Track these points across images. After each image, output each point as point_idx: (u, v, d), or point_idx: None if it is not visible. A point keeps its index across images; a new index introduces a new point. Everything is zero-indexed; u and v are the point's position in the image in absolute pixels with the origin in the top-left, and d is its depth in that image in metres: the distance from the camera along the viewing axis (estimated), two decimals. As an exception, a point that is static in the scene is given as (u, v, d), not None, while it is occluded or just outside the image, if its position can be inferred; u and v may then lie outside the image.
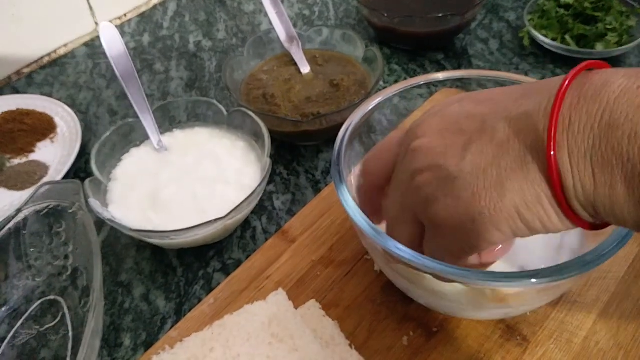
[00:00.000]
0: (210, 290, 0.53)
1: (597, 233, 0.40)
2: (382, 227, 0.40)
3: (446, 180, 0.32)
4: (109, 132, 0.61)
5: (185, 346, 0.45)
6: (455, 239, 0.33)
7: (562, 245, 0.47)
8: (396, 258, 0.37)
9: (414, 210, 0.35)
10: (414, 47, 0.84)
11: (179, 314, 0.53)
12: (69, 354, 0.49)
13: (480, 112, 0.32)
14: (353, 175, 0.48)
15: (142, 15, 0.98)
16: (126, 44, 0.65)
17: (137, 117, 0.62)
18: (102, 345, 0.51)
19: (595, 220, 0.30)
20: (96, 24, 0.93)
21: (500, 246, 0.36)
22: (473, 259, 0.35)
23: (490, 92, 0.34)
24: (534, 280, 0.35)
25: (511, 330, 0.47)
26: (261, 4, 0.77)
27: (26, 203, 0.53)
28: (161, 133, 0.63)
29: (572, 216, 0.29)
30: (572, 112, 0.28)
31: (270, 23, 0.76)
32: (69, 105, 0.75)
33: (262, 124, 0.60)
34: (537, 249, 0.46)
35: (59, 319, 0.51)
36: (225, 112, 0.64)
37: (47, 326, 0.51)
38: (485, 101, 0.33)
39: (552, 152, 0.28)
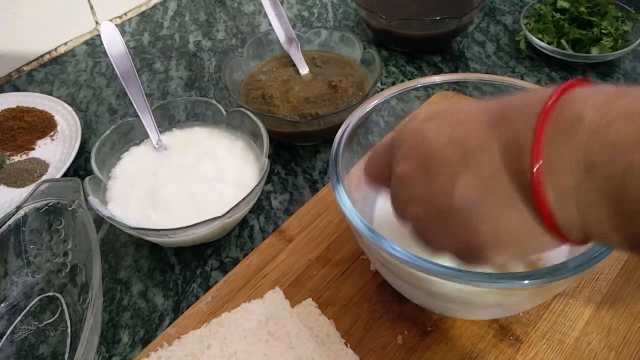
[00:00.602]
0: (208, 288, 0.54)
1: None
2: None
3: (439, 214, 0.32)
4: (109, 131, 0.62)
5: (183, 343, 0.46)
6: (461, 259, 0.34)
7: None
8: (392, 258, 0.38)
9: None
10: (411, 49, 0.84)
11: (177, 311, 0.53)
12: (67, 350, 0.49)
13: (459, 140, 0.31)
14: (350, 176, 0.49)
15: (142, 15, 0.98)
16: (126, 43, 0.66)
17: (137, 116, 0.63)
18: (101, 342, 0.51)
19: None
20: (97, 22, 0.93)
21: None
22: None
23: (465, 111, 0.33)
24: (527, 282, 0.36)
25: (504, 330, 0.48)
26: (261, 5, 0.78)
27: (26, 200, 0.53)
28: (161, 132, 0.64)
29: (569, 242, 0.30)
30: (552, 151, 0.27)
31: (270, 24, 0.76)
32: (69, 104, 0.76)
33: (260, 125, 0.61)
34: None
35: (58, 315, 0.52)
36: (224, 112, 0.64)
37: (46, 322, 0.52)
38: (462, 124, 0.32)
39: (540, 194, 0.28)
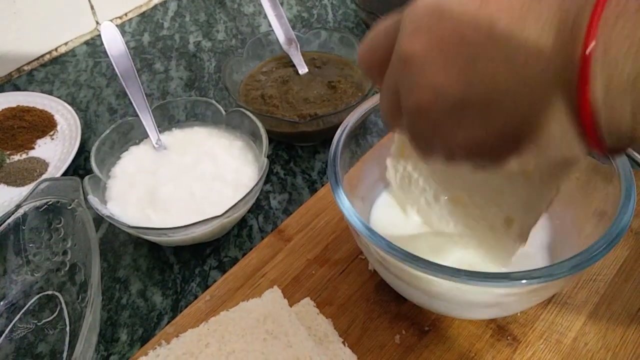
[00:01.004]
0: (207, 287, 0.54)
1: (587, 235, 0.42)
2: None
3: (453, 108, 0.27)
4: (109, 130, 0.62)
5: (181, 341, 0.46)
6: (472, 162, 0.30)
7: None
8: (389, 257, 0.38)
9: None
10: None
11: (175, 310, 0.53)
12: (66, 348, 0.49)
13: (487, 16, 0.26)
14: (349, 176, 0.49)
15: (142, 15, 0.98)
16: (126, 43, 0.66)
17: (137, 115, 0.63)
18: (99, 340, 0.51)
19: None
20: (97, 22, 0.93)
21: None
22: None
23: None
24: (524, 281, 0.36)
25: (502, 330, 0.48)
26: (261, 6, 0.78)
27: (25, 199, 0.54)
28: (160, 132, 0.64)
29: (601, 149, 0.26)
30: (610, 33, 0.22)
31: (270, 25, 0.76)
32: (69, 103, 0.76)
33: (259, 124, 0.61)
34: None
35: (56, 313, 0.52)
36: (223, 112, 0.64)
37: (44, 321, 0.52)
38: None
39: (585, 85, 0.23)
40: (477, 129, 0.27)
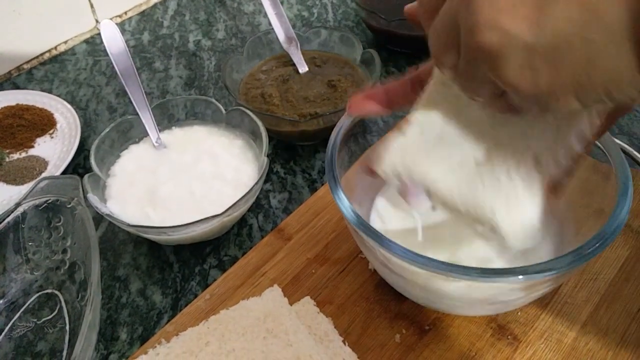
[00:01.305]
0: (206, 286, 0.54)
1: (586, 233, 0.41)
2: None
3: (519, 49, 0.26)
4: (108, 129, 0.62)
5: (181, 340, 0.46)
6: (527, 104, 0.29)
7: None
8: (389, 255, 0.38)
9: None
10: (411, 49, 0.84)
11: (175, 309, 0.53)
12: (65, 346, 0.49)
13: None
14: (348, 175, 0.49)
15: (142, 14, 0.98)
16: (126, 41, 0.66)
17: (136, 114, 0.63)
18: (99, 339, 0.51)
19: None
20: (97, 21, 0.93)
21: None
22: None
23: None
24: (521, 277, 0.36)
25: (502, 329, 0.48)
26: (261, 4, 0.78)
27: (25, 197, 0.53)
28: (160, 130, 0.64)
29: None
30: None
31: (270, 24, 0.76)
32: (68, 102, 0.76)
33: (259, 123, 0.61)
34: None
35: (56, 312, 0.52)
36: (223, 111, 0.64)
37: (44, 319, 0.52)
38: None
39: None
40: (542, 75, 0.26)
